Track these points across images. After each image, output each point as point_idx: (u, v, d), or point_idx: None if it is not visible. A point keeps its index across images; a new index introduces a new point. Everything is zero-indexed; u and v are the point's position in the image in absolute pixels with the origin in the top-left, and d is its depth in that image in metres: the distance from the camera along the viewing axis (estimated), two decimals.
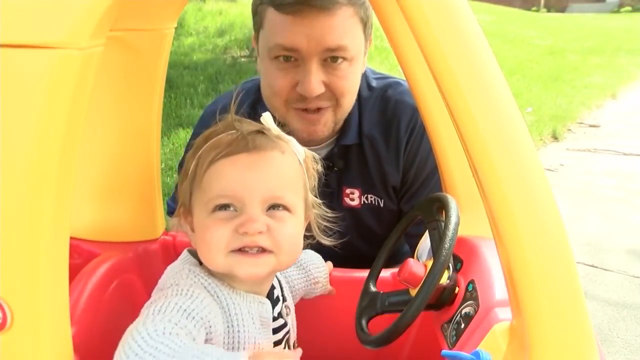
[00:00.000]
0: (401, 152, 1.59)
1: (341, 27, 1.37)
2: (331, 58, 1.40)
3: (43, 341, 0.80)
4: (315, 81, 1.39)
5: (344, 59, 1.41)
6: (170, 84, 5.84)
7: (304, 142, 1.53)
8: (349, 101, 1.49)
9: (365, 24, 1.45)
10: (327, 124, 1.49)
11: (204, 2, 9.54)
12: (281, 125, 1.42)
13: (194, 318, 0.90)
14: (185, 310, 0.90)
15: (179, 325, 0.87)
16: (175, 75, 6.32)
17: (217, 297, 0.99)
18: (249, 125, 1.04)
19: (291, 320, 1.17)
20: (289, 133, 1.49)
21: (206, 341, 0.93)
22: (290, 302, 1.20)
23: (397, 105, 1.59)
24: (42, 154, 0.75)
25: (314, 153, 1.15)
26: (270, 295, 1.11)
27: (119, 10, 0.78)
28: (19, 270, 0.77)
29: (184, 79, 6.32)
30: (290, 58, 1.40)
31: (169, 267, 1.07)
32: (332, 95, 1.44)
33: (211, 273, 1.02)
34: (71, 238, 0.87)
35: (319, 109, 1.45)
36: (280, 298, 1.15)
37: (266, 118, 1.06)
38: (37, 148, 0.75)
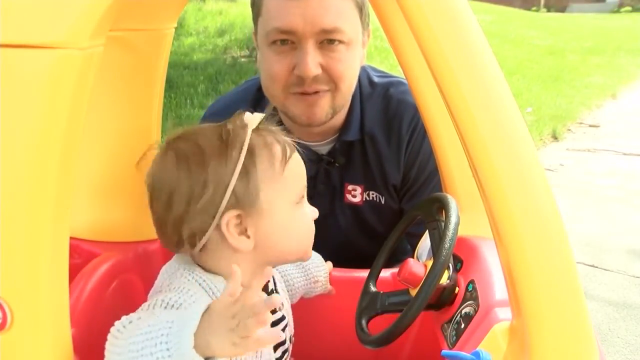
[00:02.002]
0: (402, 151, 1.59)
1: (336, 8, 1.38)
2: (328, 41, 1.39)
3: (43, 341, 0.80)
4: (312, 62, 1.38)
5: (341, 42, 1.40)
6: (170, 84, 5.85)
7: (304, 129, 1.54)
8: (347, 86, 1.48)
9: (360, 9, 1.45)
10: (325, 107, 1.47)
11: (204, 2, 9.54)
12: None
13: (177, 309, 0.89)
14: (168, 303, 0.90)
15: (156, 313, 0.86)
16: (175, 75, 6.32)
17: (212, 292, 0.98)
18: None
19: (287, 314, 1.17)
20: (289, 120, 1.51)
21: None
22: (283, 297, 1.19)
23: (399, 104, 1.59)
24: (42, 154, 0.75)
25: None
26: (264, 288, 1.10)
27: (119, 10, 0.78)
28: (19, 270, 0.77)
29: (184, 79, 6.32)
30: (287, 41, 1.40)
31: (164, 268, 1.06)
32: (330, 78, 1.43)
33: (205, 269, 1.01)
34: (71, 238, 0.87)
35: (317, 92, 1.44)
36: (274, 292, 1.14)
37: None
38: (37, 148, 0.75)
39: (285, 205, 1.00)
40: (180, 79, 6.31)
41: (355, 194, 1.63)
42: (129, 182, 1.33)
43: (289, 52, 1.41)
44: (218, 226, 0.96)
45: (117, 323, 0.85)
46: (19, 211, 0.76)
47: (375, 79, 1.64)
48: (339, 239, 1.65)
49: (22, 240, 0.76)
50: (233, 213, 0.96)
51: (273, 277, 1.18)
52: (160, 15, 1.23)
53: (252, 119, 0.99)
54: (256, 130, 0.99)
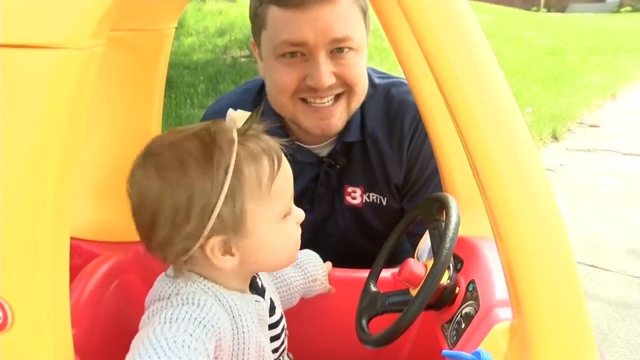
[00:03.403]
0: (404, 151, 1.59)
1: (344, 16, 1.38)
2: (337, 49, 1.40)
3: (44, 341, 0.80)
4: (326, 72, 1.38)
5: (350, 48, 1.41)
6: (170, 84, 5.85)
7: (317, 139, 1.54)
8: (362, 90, 1.49)
9: (364, 13, 1.45)
10: (341, 116, 1.48)
11: (204, 2, 9.55)
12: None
13: (205, 326, 0.90)
14: (196, 319, 0.90)
15: (194, 336, 0.86)
16: (175, 75, 6.32)
17: (219, 300, 0.98)
18: None
19: (280, 310, 1.17)
20: (295, 127, 1.51)
21: (215, 348, 0.93)
22: (271, 292, 1.18)
23: (401, 104, 1.59)
24: (42, 154, 0.75)
25: None
26: (255, 286, 1.10)
27: (120, 10, 0.78)
28: (19, 271, 0.77)
29: (184, 79, 6.32)
30: (297, 53, 1.40)
31: (160, 277, 1.05)
32: (344, 83, 1.44)
33: (206, 276, 1.01)
34: (72, 238, 0.87)
35: (336, 97, 1.44)
36: (265, 287, 1.14)
37: None
38: (38, 148, 0.74)
39: (271, 223, 0.97)
40: (180, 79, 6.31)
41: (355, 196, 1.63)
42: None
43: (299, 63, 1.41)
44: (202, 246, 0.94)
45: (148, 342, 0.83)
46: (19, 211, 0.75)
47: (376, 80, 1.64)
48: (339, 240, 1.65)
49: (22, 240, 0.76)
50: (217, 238, 0.93)
51: (258, 274, 1.17)
52: (160, 15, 1.23)
53: (236, 118, 0.95)
54: (242, 135, 0.94)
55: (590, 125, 6.83)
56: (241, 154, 0.92)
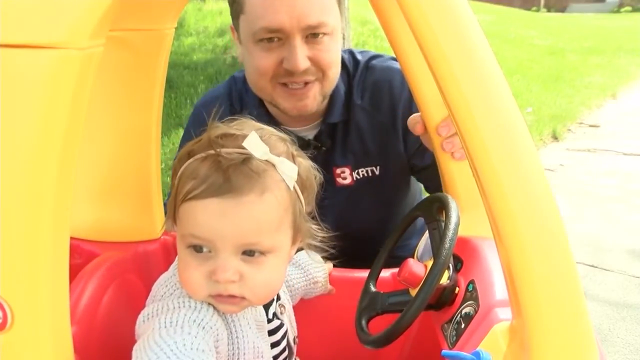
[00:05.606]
0: (398, 112, 1.60)
1: (319, 3, 1.43)
2: (312, 34, 1.44)
3: (43, 341, 0.80)
4: (301, 56, 1.43)
5: (325, 34, 1.45)
6: (170, 84, 5.85)
7: (295, 119, 1.56)
8: (334, 73, 1.53)
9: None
10: (315, 97, 1.52)
11: (204, 2, 9.54)
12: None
13: (204, 328, 0.91)
14: (195, 320, 0.91)
15: (198, 337, 0.88)
16: (175, 75, 6.32)
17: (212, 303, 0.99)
18: (230, 149, 0.92)
19: (288, 318, 1.17)
20: (278, 112, 1.51)
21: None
22: (284, 300, 1.19)
23: (385, 70, 1.63)
24: (42, 154, 0.75)
25: (311, 163, 1.08)
26: None
27: (120, 10, 0.78)
28: (19, 270, 0.77)
29: (184, 79, 6.32)
30: (274, 39, 1.44)
31: (161, 277, 1.06)
32: (318, 68, 1.48)
33: None
34: (71, 238, 0.87)
35: (306, 83, 1.49)
36: (274, 298, 1.14)
37: (252, 140, 0.92)
38: (37, 148, 0.75)
39: (180, 240, 0.96)
40: (180, 79, 6.31)
41: (345, 176, 1.66)
42: (129, 182, 1.33)
43: (277, 48, 1.45)
44: None
45: (158, 348, 0.85)
46: (19, 211, 0.75)
47: (359, 57, 1.68)
48: (336, 225, 1.65)
49: (22, 240, 0.76)
50: (170, 219, 1.01)
51: None
52: (160, 15, 1.23)
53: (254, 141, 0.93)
54: (215, 144, 0.92)
55: (590, 125, 6.84)
56: (193, 165, 0.94)
